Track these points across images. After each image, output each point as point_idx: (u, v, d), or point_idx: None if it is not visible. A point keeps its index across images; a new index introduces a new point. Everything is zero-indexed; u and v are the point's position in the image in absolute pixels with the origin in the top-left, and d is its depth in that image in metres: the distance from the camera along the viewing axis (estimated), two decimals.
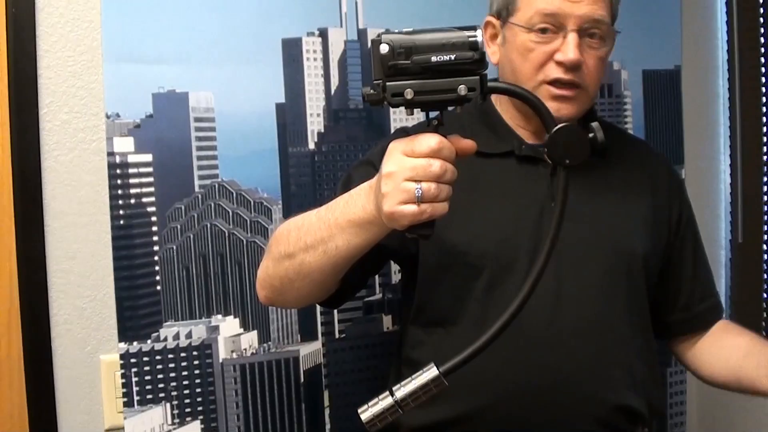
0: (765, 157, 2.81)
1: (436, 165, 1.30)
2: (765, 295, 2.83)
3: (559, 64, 1.67)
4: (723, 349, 1.91)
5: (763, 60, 2.79)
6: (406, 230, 1.35)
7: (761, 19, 2.78)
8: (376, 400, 1.34)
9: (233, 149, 2.17)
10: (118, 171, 2.07)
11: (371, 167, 1.68)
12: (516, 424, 1.69)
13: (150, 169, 2.10)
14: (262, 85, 2.19)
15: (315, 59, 2.24)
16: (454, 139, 1.34)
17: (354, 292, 1.83)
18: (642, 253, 1.79)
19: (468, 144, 1.36)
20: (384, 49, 1.25)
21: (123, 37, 2.06)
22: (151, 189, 2.11)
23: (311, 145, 2.25)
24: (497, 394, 1.68)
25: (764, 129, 2.81)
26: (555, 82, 1.69)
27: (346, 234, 1.47)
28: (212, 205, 2.16)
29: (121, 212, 2.08)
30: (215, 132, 2.15)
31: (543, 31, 1.67)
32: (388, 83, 1.27)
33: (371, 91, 1.29)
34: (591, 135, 1.39)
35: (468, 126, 1.78)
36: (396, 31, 1.27)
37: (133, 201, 2.09)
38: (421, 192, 1.29)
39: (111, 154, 2.07)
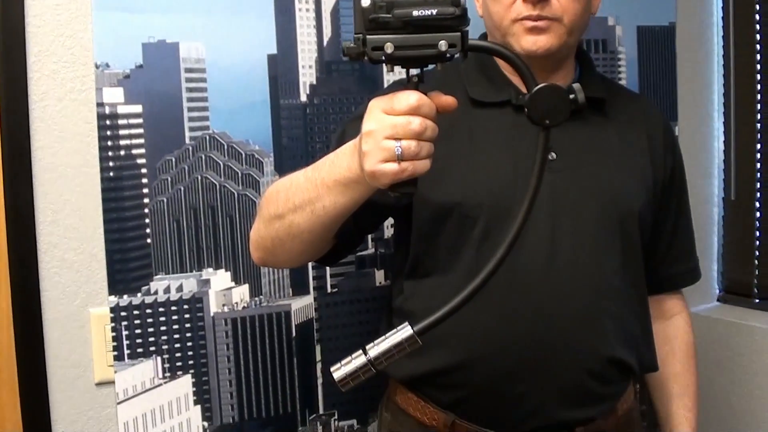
0: (758, 115, 2.83)
1: (415, 122, 1.29)
2: (757, 252, 2.86)
3: (525, 0, 1.69)
4: (666, 349, 2.04)
5: (757, 17, 2.81)
6: (389, 188, 1.35)
7: None
8: (349, 358, 1.34)
9: (224, 101, 2.16)
10: (107, 122, 2.06)
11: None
12: (508, 374, 1.71)
13: (140, 121, 2.09)
14: (254, 36, 2.18)
15: (307, 10, 2.23)
16: (434, 96, 1.33)
17: (350, 249, 1.84)
18: (638, 210, 1.80)
19: (448, 100, 1.35)
20: (365, 2, 1.24)
21: None
22: (141, 141, 2.10)
23: (303, 98, 2.25)
24: (490, 344, 1.70)
25: (758, 86, 2.82)
26: (525, 19, 1.69)
27: (332, 194, 1.48)
28: (203, 157, 2.16)
29: (110, 164, 2.07)
30: (206, 83, 2.15)
31: None
32: (368, 37, 1.25)
33: (351, 44, 1.28)
34: (572, 96, 1.38)
35: (465, 75, 1.79)
36: None
37: (122, 153, 2.08)
38: (401, 150, 1.29)
39: (100, 104, 2.06)
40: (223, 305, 2.21)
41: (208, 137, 2.16)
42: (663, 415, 2.05)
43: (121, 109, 2.08)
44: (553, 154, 1.70)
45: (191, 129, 2.14)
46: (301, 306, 2.29)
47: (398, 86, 1.53)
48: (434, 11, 1.24)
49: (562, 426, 1.75)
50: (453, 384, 1.75)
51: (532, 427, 1.74)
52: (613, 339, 1.77)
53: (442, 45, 1.25)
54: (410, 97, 1.30)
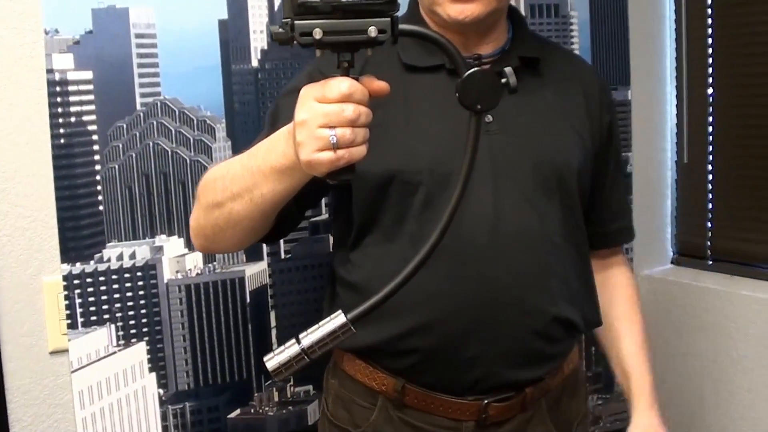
0: (710, 78, 2.90)
1: (349, 110, 1.29)
2: (709, 215, 2.94)
3: None
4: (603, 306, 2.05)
5: None
6: (326, 176, 1.35)
7: None
8: (282, 348, 1.35)
9: (175, 66, 2.20)
10: (57, 88, 2.09)
11: (297, 94, 1.70)
12: (458, 338, 1.75)
13: (90, 87, 2.12)
14: (205, 1, 2.22)
15: None
16: (366, 81, 1.33)
17: (292, 227, 1.85)
18: (576, 167, 1.83)
19: (381, 86, 1.36)
20: None
21: None
22: (92, 107, 2.13)
23: (254, 63, 2.29)
24: (439, 309, 1.73)
25: (709, 50, 2.89)
26: None
27: (270, 181, 1.49)
28: (154, 123, 2.20)
29: (61, 131, 2.10)
30: (157, 49, 2.18)
31: None
32: (296, 22, 1.25)
33: (279, 29, 1.28)
34: (504, 80, 1.40)
35: (399, 40, 1.82)
36: None
37: (73, 119, 2.11)
38: (336, 138, 1.29)
39: (50, 71, 2.09)
40: (177, 272, 2.25)
41: (159, 103, 2.20)
42: (614, 357, 2.10)
43: (71, 76, 2.10)
44: (489, 117, 1.73)
45: (142, 95, 2.18)
46: (256, 272, 2.34)
47: (313, 77, 1.56)
48: None
49: (511, 386, 1.80)
50: (403, 350, 1.78)
51: (481, 389, 1.79)
52: (558, 298, 1.81)
53: (372, 31, 1.25)
54: (342, 85, 1.30)
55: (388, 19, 1.26)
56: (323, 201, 2.32)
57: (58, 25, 2.09)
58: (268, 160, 1.48)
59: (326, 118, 1.30)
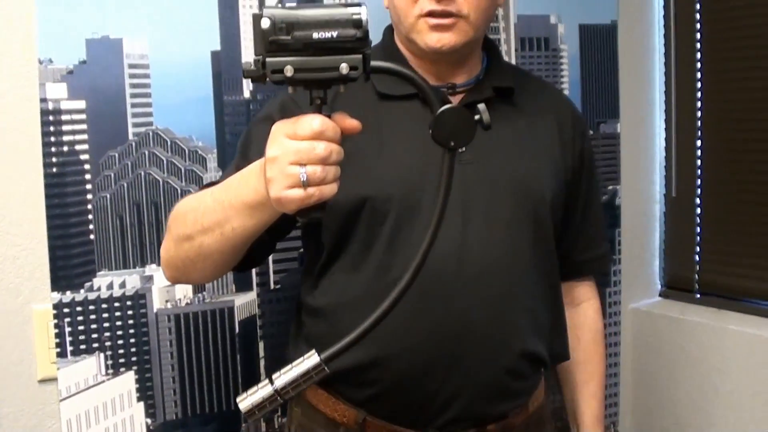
0: (698, 113, 2.94)
1: (320, 147, 1.29)
2: (697, 248, 2.97)
3: None
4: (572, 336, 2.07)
5: (698, 16, 2.91)
6: (296, 214, 1.35)
7: None
8: (255, 388, 1.35)
9: (168, 97, 2.23)
10: (50, 117, 2.11)
11: (269, 122, 1.64)
12: (421, 371, 1.75)
13: (83, 116, 2.15)
14: (198, 32, 2.25)
15: (251, 6, 2.29)
16: (338, 118, 1.33)
17: (265, 255, 1.85)
18: (549, 198, 1.85)
19: (353, 124, 1.36)
20: (265, 23, 1.24)
21: None
22: (85, 136, 2.15)
23: (246, 94, 2.32)
24: (403, 341, 1.74)
25: (698, 84, 2.93)
26: (430, 14, 1.72)
27: (241, 216, 1.49)
28: (146, 153, 2.22)
29: (53, 159, 2.12)
30: (149, 79, 2.21)
31: None
32: (267, 59, 1.25)
33: (251, 66, 1.27)
34: (477, 117, 1.41)
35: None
36: (279, 5, 1.29)
37: (66, 148, 2.14)
38: (306, 176, 1.29)
39: (44, 100, 2.11)
40: (167, 301, 2.27)
41: (151, 133, 2.22)
42: (569, 401, 2.14)
43: (65, 105, 2.13)
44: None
45: (135, 125, 2.20)
46: (245, 302, 2.36)
47: (286, 105, 1.59)
48: (335, 33, 1.25)
49: (474, 422, 1.81)
50: (365, 381, 1.79)
51: (443, 423, 1.79)
52: (525, 333, 1.82)
53: (344, 68, 1.26)
54: (314, 122, 1.30)
55: (360, 56, 1.27)
56: None
57: (52, 55, 2.11)
58: (239, 194, 1.48)
59: (297, 155, 1.30)
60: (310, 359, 1.37)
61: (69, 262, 2.16)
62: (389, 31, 1.91)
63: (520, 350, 1.81)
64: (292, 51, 1.24)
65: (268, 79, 1.27)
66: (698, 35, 2.92)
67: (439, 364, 1.75)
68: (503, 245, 1.78)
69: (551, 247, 1.90)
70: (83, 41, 2.15)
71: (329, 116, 1.32)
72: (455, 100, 1.81)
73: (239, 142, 1.84)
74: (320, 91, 1.31)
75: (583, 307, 2.15)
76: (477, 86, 1.84)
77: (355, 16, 1.27)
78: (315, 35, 1.24)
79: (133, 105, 2.20)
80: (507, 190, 1.79)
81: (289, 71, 1.25)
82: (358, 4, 1.29)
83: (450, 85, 1.82)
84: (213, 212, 1.54)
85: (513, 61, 2.70)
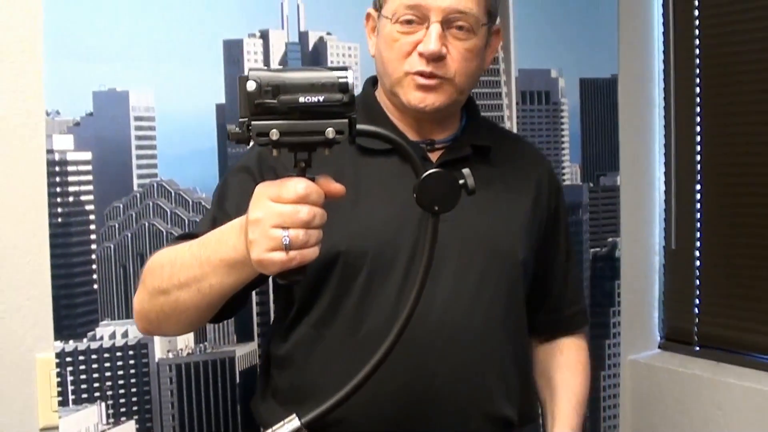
0: (698, 166, 2.98)
1: (304, 211, 1.30)
2: (697, 300, 3.00)
3: (421, 55, 1.72)
4: (547, 366, 2.05)
5: (697, 70, 2.96)
6: (276, 276, 1.36)
7: (696, 30, 2.95)
8: None
9: (173, 148, 2.27)
10: (57, 168, 2.15)
11: (247, 174, 1.72)
12: (385, 429, 1.73)
13: (89, 167, 2.18)
14: (203, 86, 2.29)
15: (256, 60, 2.34)
16: (323, 182, 1.35)
17: (239, 307, 1.81)
18: (522, 258, 1.84)
19: (338, 188, 1.37)
20: (251, 86, 1.25)
21: (64, 33, 2.14)
22: (90, 187, 2.18)
23: (250, 146, 2.35)
24: (369, 398, 1.65)
25: (698, 138, 2.98)
26: (419, 74, 1.73)
27: (219, 273, 1.48)
28: (151, 204, 2.25)
29: (59, 210, 2.15)
30: (155, 131, 2.25)
31: (408, 22, 1.72)
32: (253, 122, 1.27)
33: (236, 129, 1.29)
34: (461, 182, 1.42)
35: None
36: (265, 68, 1.30)
37: (71, 199, 2.17)
38: (288, 240, 1.30)
39: (50, 151, 2.14)
40: (168, 351, 2.29)
41: (156, 184, 2.26)
42: (548, 414, 2.04)
43: (71, 156, 2.16)
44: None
45: (139, 176, 2.24)
46: (246, 352, 2.38)
47: (264, 157, 1.60)
48: (321, 98, 1.27)
49: None
50: None
51: None
52: (495, 395, 1.80)
53: (330, 132, 1.28)
54: (298, 186, 1.31)
55: (346, 120, 1.29)
56: None
57: (60, 107, 2.15)
58: (218, 251, 1.48)
59: (280, 218, 1.31)
60: (291, 423, 1.38)
61: (72, 312, 2.18)
62: (370, 82, 1.92)
63: (489, 413, 1.79)
64: (278, 114, 1.26)
65: (252, 141, 1.29)
66: (697, 89, 2.97)
67: (406, 425, 1.73)
68: (474, 306, 1.77)
69: (522, 308, 1.89)
70: (90, 93, 2.19)
71: (313, 179, 1.34)
72: (434, 156, 1.82)
73: (215, 193, 1.83)
74: (304, 153, 1.32)
75: (571, 352, 2.09)
76: (455, 144, 1.85)
77: (341, 80, 1.29)
78: (301, 99, 1.26)
79: (139, 156, 2.23)
80: (480, 250, 1.79)
81: (274, 135, 1.26)
82: (345, 68, 1.31)
83: (429, 141, 1.82)
84: (190, 268, 1.53)
85: (514, 115, 2.75)
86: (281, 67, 1.30)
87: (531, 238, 1.89)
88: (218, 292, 1.53)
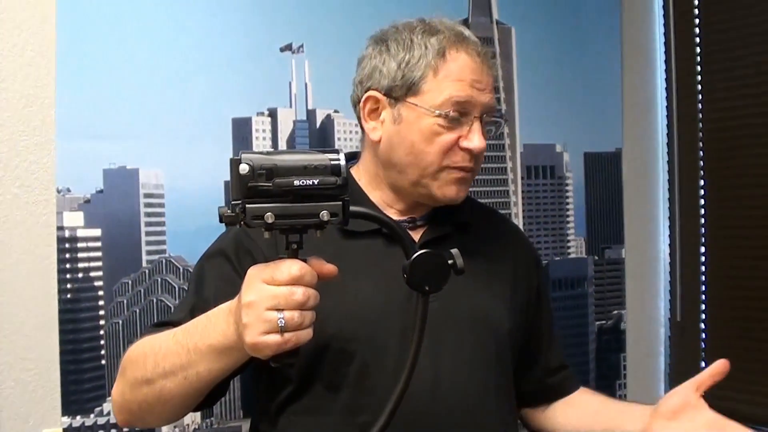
0: (702, 238, 3.00)
1: (298, 293, 1.29)
2: None
3: (466, 150, 1.71)
4: (577, 407, 1.97)
5: (701, 144, 2.99)
6: (270, 359, 1.33)
7: (699, 105, 2.98)
8: None
9: (181, 225, 2.30)
10: (67, 245, 2.18)
11: (223, 258, 1.69)
12: None
13: (98, 244, 2.22)
14: (212, 163, 2.33)
15: (264, 138, 2.38)
16: (315, 263, 1.33)
17: (222, 394, 1.74)
18: (508, 329, 1.82)
19: (330, 269, 1.37)
20: (244, 169, 1.25)
21: (76, 113, 2.19)
22: (99, 263, 2.22)
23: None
24: None
25: (702, 210, 3.00)
26: (459, 168, 1.73)
27: (207, 360, 1.45)
28: (159, 280, 2.28)
29: (68, 286, 2.18)
30: (164, 208, 2.28)
31: (455, 117, 1.71)
32: (248, 206, 1.26)
33: (228, 211, 1.28)
34: (450, 262, 1.45)
35: None
36: (256, 151, 1.31)
37: (81, 275, 2.20)
38: (284, 321, 1.28)
39: (60, 228, 2.18)
40: (174, 427, 2.30)
41: (164, 261, 2.29)
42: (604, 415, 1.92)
43: (81, 233, 2.20)
44: None
45: (148, 252, 2.27)
46: None
47: (240, 240, 1.59)
48: (316, 181, 1.27)
49: None
50: None
51: None
52: None
53: (324, 215, 1.28)
54: (292, 268, 1.30)
55: (340, 203, 1.30)
56: None
57: (71, 184, 2.19)
58: (205, 337, 1.46)
59: (275, 300, 1.30)
60: None
61: (80, 387, 2.21)
62: (352, 156, 1.88)
63: None
64: (271, 197, 1.26)
65: (245, 224, 1.28)
66: (701, 162, 3.00)
67: None
68: (470, 379, 1.75)
69: (511, 378, 1.87)
70: (101, 171, 2.23)
71: (305, 260, 1.33)
72: (416, 234, 1.80)
73: (191, 279, 1.78)
74: (296, 235, 1.32)
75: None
76: (436, 221, 1.83)
77: (333, 163, 1.29)
78: (296, 182, 1.26)
79: (148, 233, 2.27)
80: (470, 328, 1.78)
81: (270, 218, 1.26)
82: (336, 151, 1.32)
83: (410, 219, 1.84)
84: (176, 355, 1.50)
85: (519, 190, 2.78)
86: (271, 149, 1.29)
87: (515, 309, 1.87)
88: (205, 378, 1.50)
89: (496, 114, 1.76)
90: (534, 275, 1.96)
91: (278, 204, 1.27)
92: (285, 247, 1.32)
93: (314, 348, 1.63)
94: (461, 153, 1.71)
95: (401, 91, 1.73)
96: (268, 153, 1.29)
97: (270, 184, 1.25)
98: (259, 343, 1.31)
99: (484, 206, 2.11)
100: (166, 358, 1.50)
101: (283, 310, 1.30)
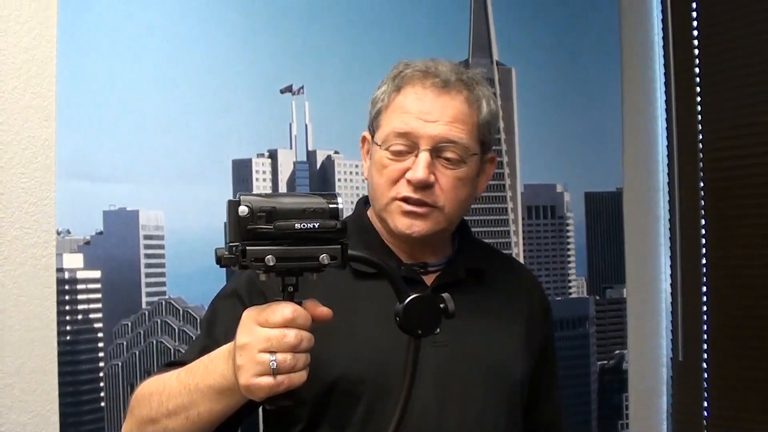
0: (704, 278, 2.99)
1: (290, 335, 1.29)
2: (706, 413, 2.98)
3: (409, 182, 1.69)
4: None
5: (702, 183, 2.99)
6: (265, 401, 1.34)
7: (700, 144, 2.99)
8: None
9: (181, 266, 2.30)
10: (66, 287, 2.18)
11: (236, 299, 1.68)
12: None
13: (98, 286, 2.21)
14: (212, 204, 2.31)
15: (264, 179, 2.38)
16: (310, 306, 1.34)
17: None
18: (519, 378, 1.82)
19: (324, 312, 1.36)
20: (243, 211, 1.25)
21: (76, 154, 2.20)
22: (99, 305, 2.21)
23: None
24: None
25: (703, 250, 2.99)
26: (405, 199, 1.70)
27: (207, 400, 1.45)
28: (159, 321, 2.27)
29: (68, 328, 2.18)
30: (164, 250, 2.28)
31: (397, 150, 1.71)
32: (248, 248, 1.26)
33: (227, 254, 1.28)
34: (442, 305, 1.44)
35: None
36: (254, 193, 1.31)
37: (80, 317, 2.19)
38: (276, 364, 1.28)
39: (60, 270, 2.17)
40: None
41: (164, 302, 2.28)
42: None
43: (81, 275, 2.20)
44: (437, 328, 1.61)
45: (148, 294, 2.27)
46: None
47: (253, 281, 1.57)
48: (316, 224, 1.27)
49: None
50: None
51: None
52: None
53: (324, 258, 1.28)
54: (285, 310, 1.30)
55: (339, 246, 1.30)
56: None
57: (71, 226, 2.19)
58: (206, 379, 1.46)
59: (267, 342, 1.30)
60: None
61: (80, 429, 2.19)
62: (362, 202, 1.88)
63: None
64: (270, 239, 1.26)
65: (243, 266, 1.27)
66: (702, 202, 3.00)
67: None
68: (479, 427, 1.74)
69: (520, 426, 1.84)
70: (100, 213, 2.23)
71: (300, 303, 1.33)
72: (428, 280, 1.79)
73: (204, 319, 1.79)
74: (292, 278, 1.31)
75: None
76: (449, 267, 1.82)
77: (332, 206, 1.30)
78: (297, 225, 1.27)
79: (148, 275, 2.26)
80: (481, 374, 1.76)
81: (270, 261, 1.26)
82: (334, 195, 1.32)
83: (422, 264, 1.83)
84: (178, 395, 1.50)
85: (520, 230, 2.78)
86: (269, 192, 1.29)
87: (526, 359, 1.85)
88: (207, 420, 1.49)
89: (452, 145, 1.71)
90: (546, 326, 1.95)
91: (278, 247, 1.26)
92: (281, 289, 1.31)
93: (322, 389, 1.65)
94: (406, 185, 1.70)
95: (372, 129, 1.77)
96: (266, 195, 1.29)
97: (270, 227, 1.25)
98: (252, 385, 1.31)
99: (500, 253, 2.09)
100: (169, 398, 1.50)
101: (275, 352, 1.29)
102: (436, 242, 1.82)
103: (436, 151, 1.70)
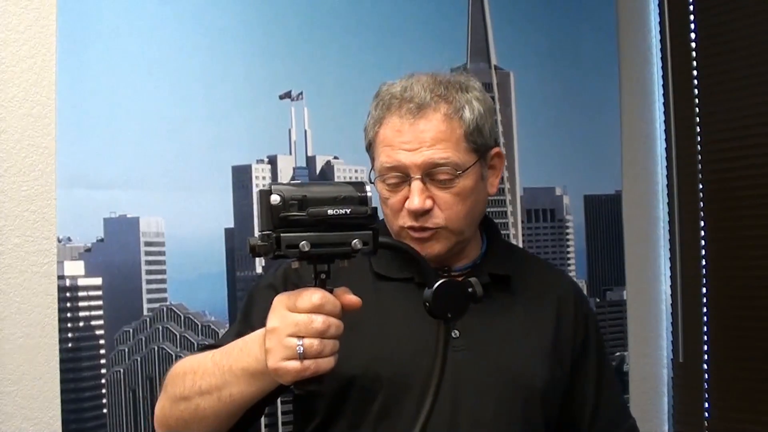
0: (704, 279, 2.98)
1: (318, 321, 1.30)
2: (707, 414, 2.97)
3: (409, 211, 1.71)
4: None
5: (700, 185, 2.99)
6: (293, 385, 1.35)
7: (698, 146, 2.98)
8: None
9: (182, 273, 2.29)
10: (67, 294, 2.17)
11: (272, 290, 1.67)
12: None
13: (99, 293, 2.21)
14: (212, 210, 2.33)
15: (264, 186, 2.36)
16: (339, 293, 1.34)
17: (255, 420, 1.76)
18: (540, 387, 1.78)
19: (353, 300, 1.37)
20: (275, 199, 1.26)
21: (77, 162, 2.19)
22: (100, 312, 2.21)
23: (259, 270, 2.38)
24: None
25: (702, 252, 2.98)
26: (410, 228, 1.72)
27: (240, 382, 1.47)
28: (160, 328, 2.27)
29: (69, 335, 2.17)
30: (165, 256, 2.27)
31: (392, 183, 1.72)
32: (282, 235, 1.27)
33: (260, 242, 1.28)
34: (470, 290, 1.44)
35: None
36: (284, 183, 1.31)
37: (81, 324, 2.19)
38: (303, 348, 1.29)
39: (61, 277, 2.17)
40: None
41: (165, 308, 2.28)
42: None
43: (82, 282, 2.19)
44: (456, 332, 1.70)
45: (149, 300, 2.26)
46: None
47: (288, 275, 1.59)
48: (348, 210, 1.28)
49: None
50: None
51: None
52: None
53: (356, 243, 1.29)
54: (313, 296, 1.31)
55: (370, 232, 1.31)
56: None
57: (71, 233, 2.19)
58: (240, 361, 1.47)
59: (295, 327, 1.31)
60: None
61: None
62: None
63: None
64: (303, 227, 1.27)
65: (277, 254, 1.28)
66: (701, 204, 2.99)
67: None
68: None
69: None
70: (101, 220, 2.23)
71: (331, 290, 1.34)
72: None
73: (241, 306, 1.83)
74: (324, 265, 1.33)
75: None
76: (473, 271, 1.80)
77: (360, 194, 1.31)
78: (330, 212, 1.28)
79: (149, 281, 2.25)
80: (498, 380, 1.75)
81: (305, 246, 1.27)
82: (362, 183, 1.34)
83: (446, 267, 1.83)
84: (212, 376, 1.52)
85: (519, 233, 2.77)
86: (299, 182, 1.29)
87: (552, 368, 1.81)
88: (238, 401, 1.51)
89: (440, 168, 1.70)
90: (581, 331, 1.89)
91: (312, 233, 1.28)
92: (313, 277, 1.33)
93: (339, 385, 1.66)
94: (407, 214, 1.71)
95: (369, 156, 1.78)
96: (297, 185, 1.30)
97: (303, 214, 1.26)
98: (280, 368, 1.33)
99: (533, 258, 2.06)
100: (203, 377, 1.53)
101: (303, 337, 1.30)
102: (460, 252, 1.82)
103: (428, 176, 1.70)
